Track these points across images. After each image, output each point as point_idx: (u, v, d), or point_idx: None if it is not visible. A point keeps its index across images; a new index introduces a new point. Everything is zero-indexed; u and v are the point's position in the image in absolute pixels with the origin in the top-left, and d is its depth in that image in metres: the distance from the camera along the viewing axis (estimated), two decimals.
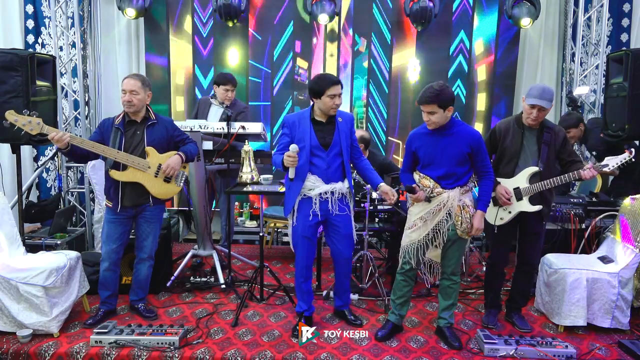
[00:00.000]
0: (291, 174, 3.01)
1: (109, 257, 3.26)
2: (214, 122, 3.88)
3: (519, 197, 3.10)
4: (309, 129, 3.04)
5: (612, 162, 3.01)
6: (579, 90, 4.80)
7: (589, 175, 2.98)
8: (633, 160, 3.01)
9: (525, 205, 3.10)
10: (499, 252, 3.28)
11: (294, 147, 2.92)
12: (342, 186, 3.07)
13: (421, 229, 2.95)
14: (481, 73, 5.35)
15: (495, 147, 3.20)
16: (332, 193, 3.05)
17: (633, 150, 3.01)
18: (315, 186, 3.04)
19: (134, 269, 3.40)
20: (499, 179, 3.16)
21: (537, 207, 3.09)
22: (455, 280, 3.03)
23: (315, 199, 3.05)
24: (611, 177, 4.39)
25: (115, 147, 3.13)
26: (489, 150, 3.20)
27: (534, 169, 3.08)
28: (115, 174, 3.15)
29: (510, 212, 3.14)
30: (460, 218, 2.89)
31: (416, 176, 3.01)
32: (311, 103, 3.10)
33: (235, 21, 5.08)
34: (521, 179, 3.10)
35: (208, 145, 3.93)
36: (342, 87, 3.04)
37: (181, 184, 3.35)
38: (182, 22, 5.30)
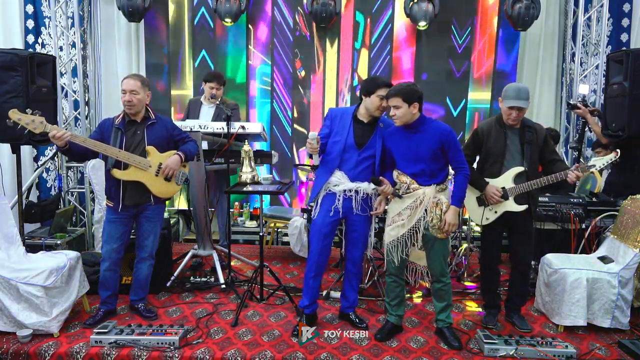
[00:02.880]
0: (315, 160, 3.05)
1: (110, 256, 3.26)
2: (213, 122, 3.89)
3: (505, 197, 3.11)
4: (348, 126, 3.06)
5: (599, 163, 3.05)
6: (581, 89, 4.78)
7: (578, 174, 2.99)
8: (618, 160, 3.05)
9: (511, 205, 3.11)
10: (489, 251, 3.30)
11: (312, 135, 2.95)
12: (367, 186, 3.06)
13: (399, 226, 2.97)
14: (481, 73, 5.35)
15: (479, 148, 3.20)
16: (357, 192, 3.06)
17: (619, 151, 3.04)
18: (340, 182, 3.05)
19: (135, 269, 3.40)
20: (486, 179, 3.17)
21: (523, 207, 3.10)
22: (445, 282, 3.02)
23: (339, 196, 3.06)
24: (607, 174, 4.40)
25: (117, 147, 3.14)
26: (472, 151, 3.21)
27: (520, 168, 3.09)
28: (117, 173, 3.15)
29: (496, 212, 3.15)
30: (432, 214, 2.90)
31: (395, 173, 3.04)
32: (358, 101, 3.12)
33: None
34: (506, 179, 3.11)
35: (205, 145, 3.93)
36: None
37: (181, 183, 3.36)
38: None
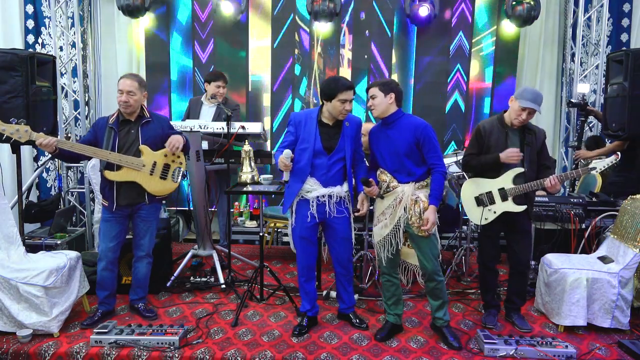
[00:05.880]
0: (285, 176, 3.00)
1: (106, 255, 3.24)
2: (213, 122, 3.88)
3: (504, 198, 3.11)
4: (314, 131, 3.02)
5: (600, 165, 3.07)
6: (581, 88, 4.77)
7: (552, 183, 2.99)
8: (618, 162, 3.07)
9: (510, 206, 3.11)
10: (487, 251, 3.30)
11: (287, 153, 2.91)
12: (340, 190, 3.06)
13: (384, 226, 2.99)
14: (481, 72, 5.35)
15: (482, 146, 3.20)
16: (330, 197, 3.04)
17: (619, 153, 3.05)
18: (312, 189, 3.03)
19: (133, 268, 3.39)
20: (485, 179, 3.16)
21: (522, 207, 3.10)
22: (438, 280, 3.02)
23: (313, 202, 3.04)
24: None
25: (109, 147, 3.11)
26: (477, 150, 3.21)
27: (520, 169, 3.09)
28: (109, 174, 3.13)
29: (495, 212, 3.16)
30: (411, 212, 2.90)
31: (378, 172, 3.04)
32: (320, 104, 3.07)
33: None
34: (506, 180, 3.11)
35: (205, 145, 3.93)
36: (354, 93, 2.99)
37: (178, 180, 3.32)
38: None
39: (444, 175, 2.92)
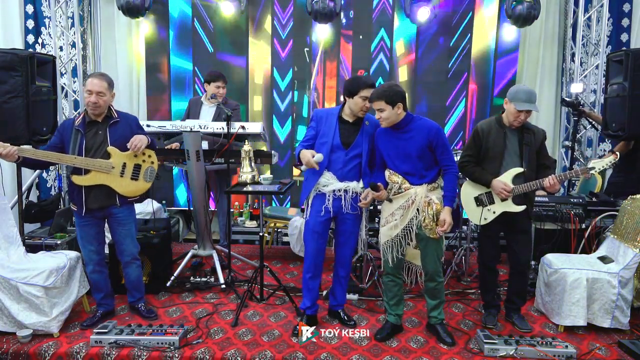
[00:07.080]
0: (303, 167, 3.05)
1: (91, 258, 3.21)
2: (213, 122, 3.88)
3: (503, 198, 3.11)
4: (334, 126, 3.09)
5: (598, 165, 3.06)
6: (574, 88, 4.77)
7: (551, 183, 3.00)
8: (617, 162, 3.07)
9: (510, 206, 3.11)
10: (487, 251, 3.30)
11: (319, 157, 2.95)
12: (356, 185, 3.09)
13: (393, 227, 2.99)
14: (482, 72, 5.35)
15: (479, 148, 3.20)
16: (346, 191, 3.08)
17: (618, 153, 3.05)
18: (329, 183, 3.07)
19: (123, 273, 3.37)
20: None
21: (521, 207, 3.10)
22: (438, 280, 3.04)
23: (329, 196, 3.08)
24: (607, 176, 4.41)
25: (76, 150, 3.02)
26: (474, 151, 3.21)
27: (519, 169, 3.09)
28: (77, 179, 3.03)
29: (494, 212, 3.16)
30: (424, 214, 2.91)
31: (387, 173, 3.04)
32: (342, 101, 3.14)
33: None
34: (506, 179, 3.10)
35: (205, 145, 3.92)
36: None
37: (151, 180, 3.25)
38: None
39: (456, 176, 2.95)
